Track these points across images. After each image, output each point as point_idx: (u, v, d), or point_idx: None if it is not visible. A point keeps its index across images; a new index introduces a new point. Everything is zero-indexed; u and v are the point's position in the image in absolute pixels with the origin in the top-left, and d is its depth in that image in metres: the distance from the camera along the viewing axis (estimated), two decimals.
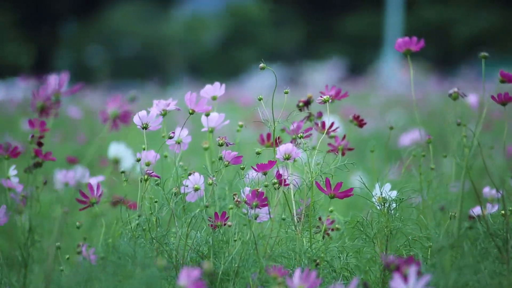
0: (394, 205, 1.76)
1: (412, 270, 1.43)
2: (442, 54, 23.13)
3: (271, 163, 1.80)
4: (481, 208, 1.76)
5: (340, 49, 24.75)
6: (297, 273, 1.55)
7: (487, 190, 2.02)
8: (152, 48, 24.14)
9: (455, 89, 1.89)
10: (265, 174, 1.81)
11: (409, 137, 3.13)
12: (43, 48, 22.84)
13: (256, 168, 1.81)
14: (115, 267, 1.69)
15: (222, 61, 24.56)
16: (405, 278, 1.42)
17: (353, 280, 1.53)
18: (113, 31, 24.21)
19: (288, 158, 1.81)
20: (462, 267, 1.57)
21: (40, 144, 1.88)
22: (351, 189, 1.75)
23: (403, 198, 1.77)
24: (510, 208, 1.70)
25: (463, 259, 1.61)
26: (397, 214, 1.75)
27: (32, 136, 1.86)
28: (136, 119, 1.87)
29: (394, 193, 1.78)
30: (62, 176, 2.44)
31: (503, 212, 1.72)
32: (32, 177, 1.87)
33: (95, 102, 8.73)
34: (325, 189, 1.76)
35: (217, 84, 1.98)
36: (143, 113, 1.88)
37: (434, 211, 1.89)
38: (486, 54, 1.82)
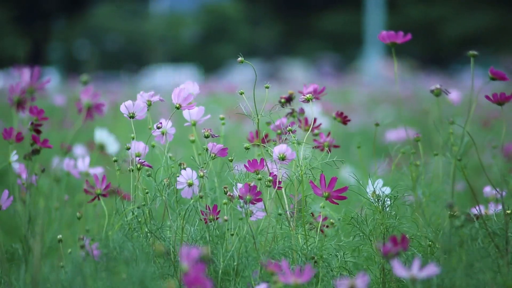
0: (388, 202, 1.70)
1: (416, 260, 1.40)
2: (430, 53, 23.21)
3: (262, 162, 1.78)
4: (479, 207, 1.71)
5: (320, 46, 25.09)
6: (286, 268, 1.49)
7: (487, 190, 1.95)
8: (135, 43, 25.98)
9: (437, 85, 1.84)
10: (257, 173, 1.78)
11: (396, 134, 3.10)
12: (37, 41, 25.14)
13: (248, 167, 1.79)
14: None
15: (202, 56, 25.58)
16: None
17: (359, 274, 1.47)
18: (98, 27, 26.29)
19: (283, 159, 1.78)
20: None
21: (38, 131, 1.92)
22: (346, 187, 1.68)
23: (397, 196, 1.71)
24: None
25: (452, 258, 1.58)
26: (393, 212, 1.70)
27: (31, 123, 1.90)
28: (122, 108, 1.91)
29: (387, 190, 1.73)
30: (65, 165, 2.48)
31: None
32: (31, 164, 1.89)
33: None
34: (319, 186, 1.71)
35: (189, 82, 2.00)
36: (129, 103, 1.92)
37: (423, 209, 1.85)
38: (475, 52, 1.77)
